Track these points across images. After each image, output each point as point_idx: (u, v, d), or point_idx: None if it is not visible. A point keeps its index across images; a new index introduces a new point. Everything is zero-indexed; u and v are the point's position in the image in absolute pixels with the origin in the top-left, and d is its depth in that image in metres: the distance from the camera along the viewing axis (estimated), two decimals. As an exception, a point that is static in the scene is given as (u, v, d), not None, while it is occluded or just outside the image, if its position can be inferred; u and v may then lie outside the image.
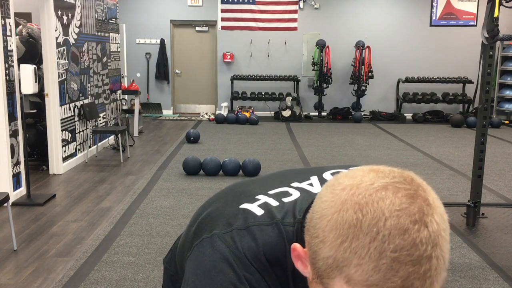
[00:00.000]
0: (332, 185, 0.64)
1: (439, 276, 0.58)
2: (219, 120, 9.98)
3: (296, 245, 0.68)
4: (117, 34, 8.27)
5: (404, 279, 0.56)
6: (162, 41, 11.18)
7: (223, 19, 11.08)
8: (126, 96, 8.99)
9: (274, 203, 0.79)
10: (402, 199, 0.60)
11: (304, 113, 10.78)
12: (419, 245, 0.57)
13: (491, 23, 3.87)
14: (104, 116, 7.52)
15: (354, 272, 0.57)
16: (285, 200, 0.80)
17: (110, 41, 7.85)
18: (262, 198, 0.81)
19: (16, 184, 4.86)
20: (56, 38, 5.73)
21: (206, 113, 11.08)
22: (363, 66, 10.52)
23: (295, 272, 0.72)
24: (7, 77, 4.66)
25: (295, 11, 11.05)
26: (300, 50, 11.10)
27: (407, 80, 10.88)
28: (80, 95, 6.51)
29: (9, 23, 4.73)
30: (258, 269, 0.71)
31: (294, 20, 11.07)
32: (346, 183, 0.62)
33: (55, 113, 5.77)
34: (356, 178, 0.63)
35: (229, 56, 11.14)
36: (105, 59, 7.58)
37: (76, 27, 6.37)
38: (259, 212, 0.77)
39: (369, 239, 0.57)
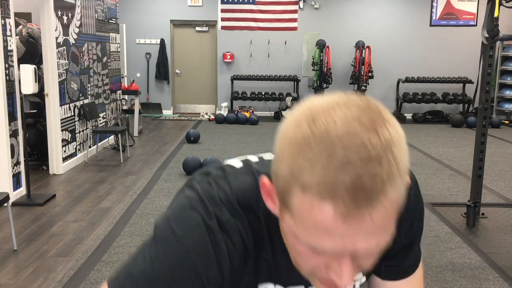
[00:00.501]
0: (292, 112, 0.65)
1: (393, 182, 0.57)
2: (219, 120, 9.98)
3: (264, 178, 0.69)
4: (117, 34, 8.27)
5: (354, 179, 0.56)
6: (162, 41, 11.18)
7: (223, 19, 11.08)
8: (126, 96, 8.99)
9: (254, 159, 0.82)
10: (355, 111, 0.60)
11: (304, 113, 10.76)
12: (368, 147, 0.57)
13: (491, 23, 3.87)
14: (104, 116, 7.52)
15: (307, 178, 0.58)
16: (266, 157, 0.82)
17: (110, 41, 7.85)
18: (244, 156, 0.84)
19: (16, 184, 4.86)
20: (56, 38, 5.73)
21: (206, 113, 11.08)
22: (363, 66, 10.51)
23: (270, 222, 0.73)
24: (7, 77, 4.66)
25: (295, 11, 11.05)
26: (300, 50, 11.10)
27: (407, 80, 10.88)
28: (80, 95, 6.51)
29: (9, 23, 4.73)
30: (229, 211, 0.71)
31: (294, 20, 11.07)
32: (303, 106, 0.64)
33: (55, 113, 5.77)
34: (312, 101, 0.64)
35: (229, 56, 11.14)
36: (105, 59, 7.58)
37: (76, 27, 6.37)
38: (238, 164, 0.79)
39: (321, 146, 0.58)
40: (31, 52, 5.80)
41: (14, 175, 4.80)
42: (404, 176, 0.59)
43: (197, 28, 11.34)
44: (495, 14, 3.82)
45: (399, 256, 0.86)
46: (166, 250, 0.69)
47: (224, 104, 10.92)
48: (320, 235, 0.59)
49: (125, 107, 8.75)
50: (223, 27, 11.12)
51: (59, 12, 5.83)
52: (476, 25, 10.99)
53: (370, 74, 10.53)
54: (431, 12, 11.06)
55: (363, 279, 0.85)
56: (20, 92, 4.62)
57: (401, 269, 0.88)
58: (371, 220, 0.58)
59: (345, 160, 0.56)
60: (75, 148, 6.32)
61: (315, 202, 0.58)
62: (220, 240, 0.70)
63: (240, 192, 0.74)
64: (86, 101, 6.70)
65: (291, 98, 10.49)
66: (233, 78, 10.86)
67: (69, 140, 6.12)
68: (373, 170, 0.56)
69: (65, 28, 6.01)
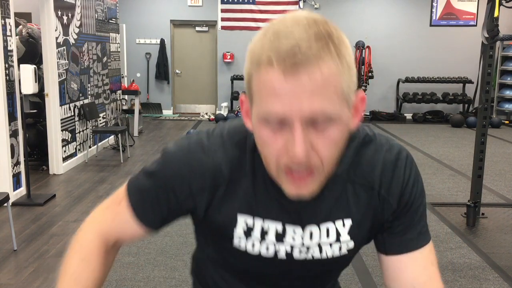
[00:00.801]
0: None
1: (330, 55, 0.70)
2: (219, 120, 9.98)
3: (242, 95, 0.84)
4: (117, 34, 8.27)
5: (293, 45, 0.68)
6: (162, 41, 11.18)
7: (223, 19, 11.08)
8: (126, 96, 8.99)
9: None
10: (304, 19, 0.72)
11: (304, 113, 10.77)
12: (311, 29, 0.70)
13: (491, 23, 3.87)
14: (104, 116, 7.52)
15: (259, 56, 0.72)
16: None
17: (110, 41, 7.85)
18: None
19: (16, 184, 4.86)
20: (56, 38, 5.73)
21: (206, 113, 11.08)
22: (363, 66, 10.51)
23: (255, 158, 0.83)
24: (7, 77, 4.66)
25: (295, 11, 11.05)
26: (300, 50, 11.09)
27: (407, 80, 10.88)
28: (80, 95, 6.51)
29: (9, 23, 4.73)
30: (216, 141, 0.86)
31: (294, 20, 11.07)
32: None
33: (55, 113, 5.77)
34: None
35: (229, 56, 11.14)
36: (105, 59, 7.58)
37: (76, 27, 6.37)
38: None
39: (272, 32, 0.71)
40: (31, 52, 5.80)
41: (14, 175, 4.80)
42: (348, 63, 0.73)
43: (197, 28, 11.34)
44: (495, 14, 3.82)
45: (398, 229, 0.89)
46: (165, 158, 0.91)
47: (224, 104, 10.92)
48: (271, 98, 0.70)
49: (125, 107, 8.75)
50: (223, 27, 11.12)
51: (59, 12, 5.83)
52: (476, 25, 10.99)
53: (370, 74, 10.53)
54: (431, 12, 11.06)
55: (351, 243, 0.89)
56: (20, 92, 4.62)
57: (403, 241, 0.89)
58: (309, 80, 0.68)
59: (289, 34, 0.69)
60: (75, 148, 6.32)
61: (265, 70, 0.70)
62: (197, 159, 0.85)
63: (231, 130, 0.88)
64: (86, 101, 6.70)
65: (291, 98, 10.47)
66: (233, 78, 10.86)
67: (69, 140, 6.12)
68: (311, 41, 0.69)
69: (65, 28, 6.01)
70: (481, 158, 4.22)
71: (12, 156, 4.76)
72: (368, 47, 10.57)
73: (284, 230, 0.86)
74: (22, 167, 4.94)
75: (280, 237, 0.86)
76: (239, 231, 0.86)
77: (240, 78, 10.87)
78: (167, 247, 3.59)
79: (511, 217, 4.40)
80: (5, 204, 3.58)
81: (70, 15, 6.15)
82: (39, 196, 4.81)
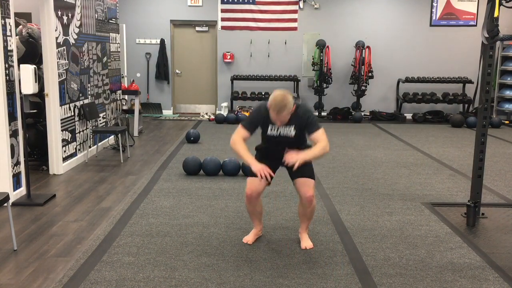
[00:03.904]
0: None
1: (287, 107, 3.27)
2: (219, 120, 9.98)
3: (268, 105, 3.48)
4: (117, 34, 8.26)
5: (276, 106, 3.28)
6: (162, 41, 11.18)
7: (223, 19, 11.08)
8: (126, 96, 8.98)
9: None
10: (279, 96, 3.30)
11: (304, 113, 10.76)
12: (281, 102, 3.27)
13: (491, 23, 3.87)
14: (104, 116, 7.52)
15: (270, 107, 3.34)
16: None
17: (110, 41, 7.85)
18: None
19: (16, 184, 4.86)
20: (56, 38, 5.73)
21: (206, 113, 11.08)
22: (363, 66, 10.51)
23: (269, 115, 3.40)
24: (7, 77, 4.66)
25: (295, 11, 11.05)
26: (300, 50, 11.10)
27: (407, 80, 10.88)
28: (80, 95, 6.51)
29: (9, 23, 4.73)
30: (264, 107, 3.45)
31: (294, 20, 11.07)
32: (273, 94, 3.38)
33: (55, 113, 5.77)
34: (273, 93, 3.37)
35: (229, 56, 11.14)
36: (105, 59, 7.58)
37: (76, 27, 6.37)
38: None
39: (271, 101, 3.32)
40: (31, 52, 5.80)
41: (14, 175, 4.81)
42: (290, 108, 3.29)
43: (197, 28, 11.34)
44: (495, 14, 3.82)
45: (308, 128, 3.41)
46: (253, 110, 3.62)
47: (224, 104, 10.92)
48: (272, 115, 3.36)
49: (125, 107, 8.75)
50: (223, 27, 11.12)
51: (59, 12, 5.83)
52: (476, 25, 10.99)
53: (370, 74, 10.53)
54: (431, 12, 11.07)
55: (294, 131, 3.43)
56: (20, 92, 4.62)
57: (310, 130, 3.39)
58: (282, 115, 3.31)
59: (273, 103, 3.29)
60: (75, 148, 6.32)
61: (271, 111, 3.34)
62: (260, 110, 3.50)
63: (264, 104, 3.47)
64: (86, 101, 6.70)
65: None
66: (233, 78, 10.86)
67: (69, 140, 6.12)
68: (281, 105, 3.27)
69: (65, 28, 6.01)
70: (481, 158, 4.22)
71: (12, 156, 4.76)
72: (368, 47, 10.56)
73: (278, 128, 3.45)
74: (22, 167, 4.94)
75: (277, 130, 3.45)
76: (268, 128, 3.49)
77: (240, 78, 10.87)
78: (167, 247, 3.59)
79: (511, 217, 4.40)
80: (5, 204, 3.58)
81: (70, 15, 6.15)
82: (39, 196, 4.81)
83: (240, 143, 3.40)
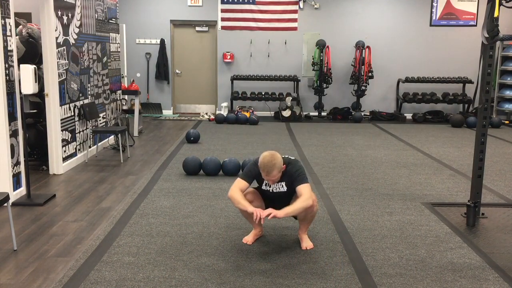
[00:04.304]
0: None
1: (276, 167, 3.41)
2: (219, 120, 9.98)
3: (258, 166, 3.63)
4: (117, 34, 8.26)
5: (265, 167, 3.42)
6: (162, 41, 11.18)
7: (223, 19, 11.08)
8: (126, 96, 8.98)
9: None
10: (267, 156, 3.44)
11: (304, 113, 10.78)
12: (270, 162, 3.41)
13: (491, 23, 3.87)
14: (104, 116, 7.52)
15: (260, 168, 3.51)
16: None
17: (110, 41, 7.85)
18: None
19: (16, 184, 4.86)
20: (56, 38, 5.73)
21: (206, 113, 11.08)
22: (363, 66, 10.52)
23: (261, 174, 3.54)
24: (7, 77, 4.66)
25: (295, 11, 11.05)
26: (300, 50, 11.10)
27: (407, 80, 10.88)
28: (80, 95, 6.51)
29: (9, 23, 4.73)
30: (256, 166, 3.54)
31: (294, 20, 11.07)
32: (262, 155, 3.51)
33: (55, 113, 5.77)
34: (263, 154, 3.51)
35: (229, 56, 11.14)
36: (105, 59, 7.58)
37: (76, 27, 6.37)
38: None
39: (260, 164, 3.46)
40: (31, 52, 5.80)
41: (14, 175, 4.81)
42: (280, 167, 3.43)
43: (197, 28, 11.34)
44: (495, 14, 3.82)
45: (295, 182, 3.49)
46: (248, 165, 3.67)
47: (224, 104, 10.92)
48: (263, 175, 3.49)
49: (125, 107, 8.75)
50: (223, 27, 11.12)
51: (59, 12, 5.83)
52: (476, 25, 10.99)
53: (370, 74, 10.53)
54: (431, 12, 11.07)
55: (285, 188, 3.58)
56: (20, 92, 4.62)
57: (297, 184, 3.48)
58: (272, 175, 3.44)
59: (262, 165, 3.44)
60: (75, 148, 6.32)
61: (261, 171, 3.48)
62: (253, 169, 3.58)
63: (255, 162, 3.58)
64: (86, 101, 6.70)
65: (291, 98, 10.49)
66: (233, 78, 10.86)
67: (69, 140, 6.12)
68: (269, 165, 3.41)
69: (65, 28, 6.01)
70: (481, 158, 4.22)
71: (12, 156, 4.76)
72: (368, 47, 10.56)
73: (270, 185, 3.60)
74: (22, 167, 4.94)
75: (270, 186, 3.61)
76: (263, 184, 3.67)
77: (240, 78, 10.87)
78: (167, 247, 3.59)
79: (511, 217, 4.40)
80: (5, 204, 3.58)
81: (70, 15, 6.15)
82: (39, 196, 4.81)
83: (236, 192, 3.49)
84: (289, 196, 3.60)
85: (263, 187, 3.65)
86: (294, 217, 3.73)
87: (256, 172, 3.54)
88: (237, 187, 3.53)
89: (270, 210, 3.34)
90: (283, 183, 3.56)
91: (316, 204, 3.56)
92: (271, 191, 3.61)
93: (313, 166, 6.21)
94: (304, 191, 3.43)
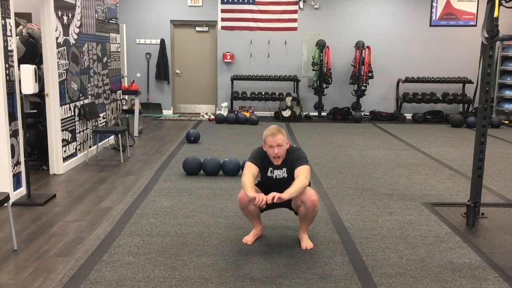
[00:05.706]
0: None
1: (281, 134, 3.58)
2: (219, 120, 9.98)
3: (264, 144, 3.73)
4: (117, 34, 8.27)
5: (271, 131, 3.59)
6: (162, 41, 11.19)
7: (223, 19, 11.09)
8: (126, 96, 8.99)
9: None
10: (272, 126, 3.68)
11: (304, 113, 10.78)
12: (271, 127, 3.64)
13: (491, 23, 3.87)
14: (104, 116, 7.52)
15: (267, 133, 3.61)
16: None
17: (110, 41, 7.85)
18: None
19: (16, 184, 4.86)
20: (56, 38, 5.73)
21: (206, 113, 11.08)
22: (363, 66, 10.52)
23: (266, 154, 3.66)
24: (7, 77, 4.66)
25: (295, 11, 11.06)
26: (300, 50, 11.10)
27: (407, 80, 10.89)
28: (80, 95, 6.51)
29: (9, 23, 4.73)
30: (262, 150, 3.69)
31: (294, 20, 11.08)
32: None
33: (55, 113, 5.77)
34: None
35: (229, 56, 11.14)
36: (105, 59, 7.58)
37: (76, 27, 6.37)
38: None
39: (266, 131, 3.64)
40: (31, 52, 5.81)
41: (14, 175, 4.81)
42: (285, 136, 3.61)
43: (197, 28, 11.34)
44: (495, 14, 3.82)
45: (296, 163, 3.57)
46: (253, 152, 3.75)
47: (224, 104, 10.92)
48: (269, 141, 3.59)
49: (125, 107, 8.75)
50: (223, 27, 11.13)
51: (59, 12, 5.83)
52: (476, 25, 10.99)
53: (370, 74, 10.53)
54: (431, 12, 11.07)
55: (286, 174, 3.67)
56: (20, 92, 4.63)
57: (297, 165, 3.56)
58: (278, 138, 3.56)
59: (268, 130, 3.62)
60: (75, 148, 6.32)
61: (268, 137, 3.59)
62: (259, 152, 3.71)
63: (261, 147, 3.72)
64: (86, 101, 6.70)
65: (291, 98, 10.49)
66: (233, 78, 10.86)
67: (69, 140, 6.12)
68: (276, 129, 3.60)
69: (65, 28, 6.01)
70: (481, 158, 4.22)
71: (12, 156, 4.76)
72: (368, 47, 10.57)
73: (273, 171, 3.69)
74: (22, 167, 4.94)
75: (273, 172, 3.69)
76: (267, 171, 3.71)
77: (240, 78, 10.87)
78: (167, 247, 3.59)
79: (511, 217, 4.40)
80: (5, 204, 3.58)
81: (70, 15, 6.15)
82: (39, 196, 4.81)
83: (248, 178, 3.51)
84: (290, 182, 3.57)
85: (268, 173, 3.67)
86: (295, 213, 3.74)
87: (262, 154, 3.63)
88: (250, 173, 3.56)
89: (273, 193, 3.30)
90: (285, 169, 3.63)
91: (318, 203, 3.56)
92: (274, 177, 3.66)
93: (313, 166, 6.21)
94: (302, 171, 3.49)
